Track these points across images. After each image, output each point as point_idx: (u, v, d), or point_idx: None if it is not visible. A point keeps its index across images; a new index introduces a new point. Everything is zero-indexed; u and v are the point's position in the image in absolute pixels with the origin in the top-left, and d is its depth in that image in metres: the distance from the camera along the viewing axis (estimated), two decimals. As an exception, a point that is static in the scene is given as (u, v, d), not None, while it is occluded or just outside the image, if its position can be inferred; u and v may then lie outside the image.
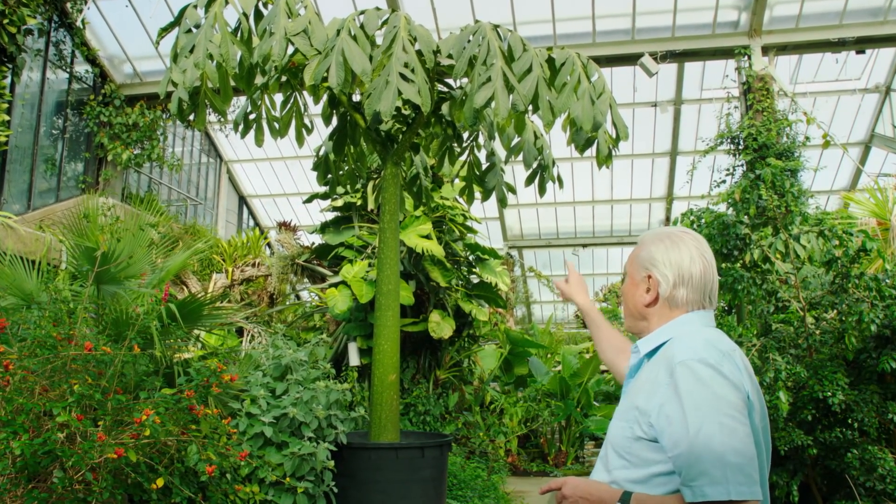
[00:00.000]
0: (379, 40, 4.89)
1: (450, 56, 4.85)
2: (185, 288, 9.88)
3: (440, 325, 8.31)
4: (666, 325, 1.96)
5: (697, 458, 1.65)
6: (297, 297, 12.20)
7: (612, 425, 1.94)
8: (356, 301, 7.95)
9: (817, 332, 4.99)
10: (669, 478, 1.75)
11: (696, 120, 15.63)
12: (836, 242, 5.05)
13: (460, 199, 9.34)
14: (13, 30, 9.97)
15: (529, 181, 5.71)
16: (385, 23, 4.87)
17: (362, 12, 4.88)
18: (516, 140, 5.48)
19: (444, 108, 5.82)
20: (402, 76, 4.41)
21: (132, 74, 13.93)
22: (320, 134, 12.74)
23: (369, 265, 8.18)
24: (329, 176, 6.20)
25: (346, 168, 6.31)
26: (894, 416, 4.55)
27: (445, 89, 5.79)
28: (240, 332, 9.26)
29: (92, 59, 13.17)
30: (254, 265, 11.50)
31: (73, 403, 3.30)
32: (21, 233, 9.47)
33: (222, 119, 12.89)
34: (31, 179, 11.96)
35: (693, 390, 1.71)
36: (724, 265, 5.50)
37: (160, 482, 3.48)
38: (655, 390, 1.80)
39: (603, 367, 11.21)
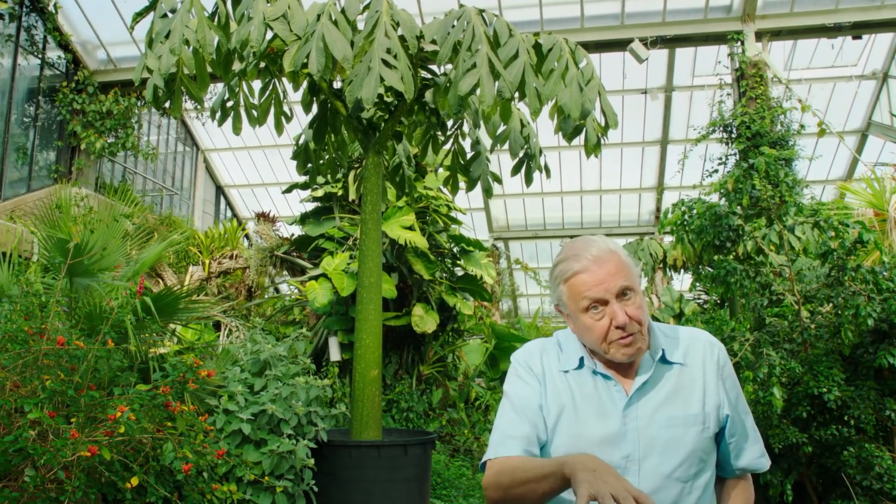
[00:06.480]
0: (360, 25, 4.83)
1: (433, 42, 4.81)
2: (160, 281, 9.72)
3: (423, 319, 8.18)
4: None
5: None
6: (276, 290, 12.06)
7: (676, 440, 1.85)
8: (337, 294, 7.82)
9: (812, 326, 4.90)
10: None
11: (688, 107, 15.53)
12: (832, 234, 4.97)
13: (444, 190, 9.21)
14: (-18, 14, 9.72)
15: (516, 171, 5.62)
16: (367, 7, 4.82)
17: (343, -5, 4.77)
18: (502, 128, 5.39)
19: (428, 96, 5.74)
20: (385, 62, 4.36)
21: (106, 61, 13.65)
22: (300, 122, 12.47)
23: (350, 257, 8.06)
24: (309, 165, 6.10)
25: (327, 157, 6.21)
26: (892, 412, 4.46)
27: (429, 76, 5.73)
28: (217, 326, 9.13)
29: (64, 45, 12.90)
30: (231, 257, 11.33)
31: (45, 400, 3.26)
32: (-9, 224, 9.24)
33: (199, 106, 12.66)
34: (2, 169, 11.71)
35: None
36: (716, 257, 5.41)
37: (135, 481, 3.46)
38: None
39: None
